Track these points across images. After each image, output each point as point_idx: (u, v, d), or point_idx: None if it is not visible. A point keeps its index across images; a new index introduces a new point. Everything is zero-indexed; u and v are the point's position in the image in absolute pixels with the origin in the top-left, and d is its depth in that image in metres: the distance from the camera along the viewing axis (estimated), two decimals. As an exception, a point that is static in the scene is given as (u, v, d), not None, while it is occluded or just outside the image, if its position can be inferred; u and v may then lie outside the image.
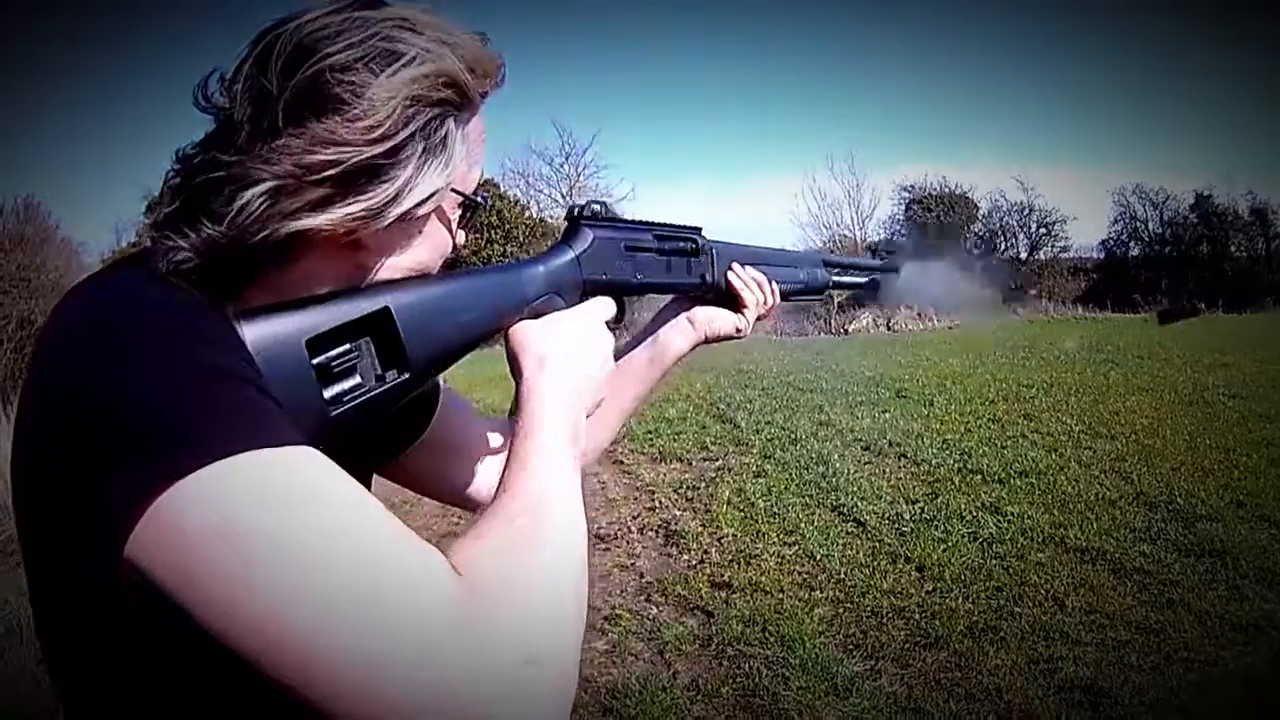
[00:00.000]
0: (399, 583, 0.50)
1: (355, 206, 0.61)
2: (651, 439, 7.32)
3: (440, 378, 0.91)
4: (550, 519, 0.60)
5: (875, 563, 4.18)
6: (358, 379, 0.66)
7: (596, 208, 0.89)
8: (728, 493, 5.54)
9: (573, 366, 0.74)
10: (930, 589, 3.85)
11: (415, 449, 0.92)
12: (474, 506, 0.96)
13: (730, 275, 1.04)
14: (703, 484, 5.86)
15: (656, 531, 4.94)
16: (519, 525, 0.59)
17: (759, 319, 1.10)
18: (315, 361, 0.63)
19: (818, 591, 3.89)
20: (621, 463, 6.65)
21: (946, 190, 29.13)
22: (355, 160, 0.60)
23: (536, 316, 0.78)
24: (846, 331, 21.98)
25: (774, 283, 1.09)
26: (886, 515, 4.90)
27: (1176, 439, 6.34)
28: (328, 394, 0.64)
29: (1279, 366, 9.68)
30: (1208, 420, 7.03)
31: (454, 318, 0.72)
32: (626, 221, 0.92)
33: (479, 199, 0.73)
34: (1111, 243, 29.01)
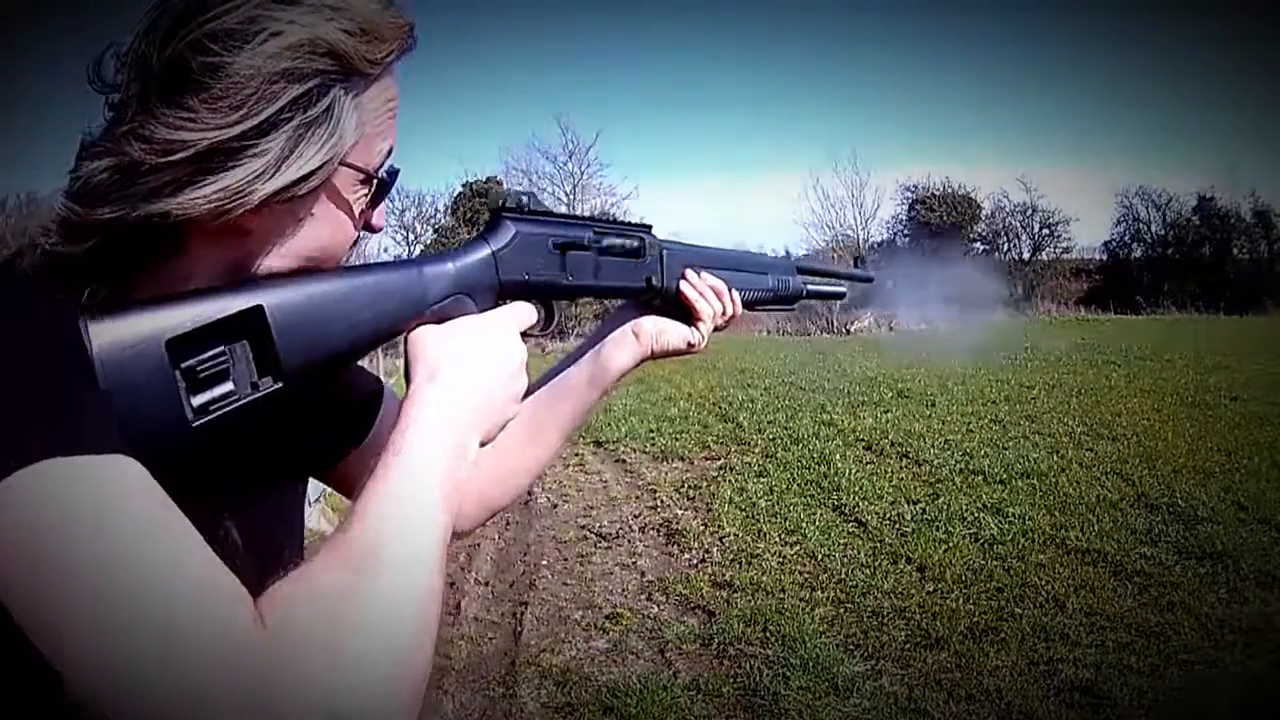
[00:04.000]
0: (186, 619, 0.47)
1: (212, 188, 0.56)
2: (653, 438, 7.33)
3: (385, 378, 0.84)
4: (383, 577, 0.54)
5: (876, 563, 4.18)
6: (230, 385, 0.60)
7: (523, 199, 0.79)
8: (729, 492, 5.54)
9: (469, 382, 0.66)
10: (931, 589, 3.85)
11: (359, 456, 0.84)
12: None
13: (682, 284, 0.93)
14: (704, 483, 5.87)
15: (658, 530, 4.95)
16: (341, 578, 0.53)
17: (717, 329, 0.99)
18: (183, 365, 0.58)
19: (819, 591, 3.90)
20: (623, 461, 6.67)
21: (949, 190, 29.16)
22: (210, 140, 0.56)
23: (441, 321, 0.70)
24: (849, 331, 21.99)
25: (734, 291, 0.98)
26: (888, 515, 4.90)
27: (1178, 441, 6.34)
28: (196, 401, 0.59)
29: (1281, 369, 9.69)
30: (1209, 423, 7.03)
31: (341, 319, 0.65)
32: (560, 216, 0.81)
33: (381, 174, 0.66)
34: (1114, 244, 29.06)
